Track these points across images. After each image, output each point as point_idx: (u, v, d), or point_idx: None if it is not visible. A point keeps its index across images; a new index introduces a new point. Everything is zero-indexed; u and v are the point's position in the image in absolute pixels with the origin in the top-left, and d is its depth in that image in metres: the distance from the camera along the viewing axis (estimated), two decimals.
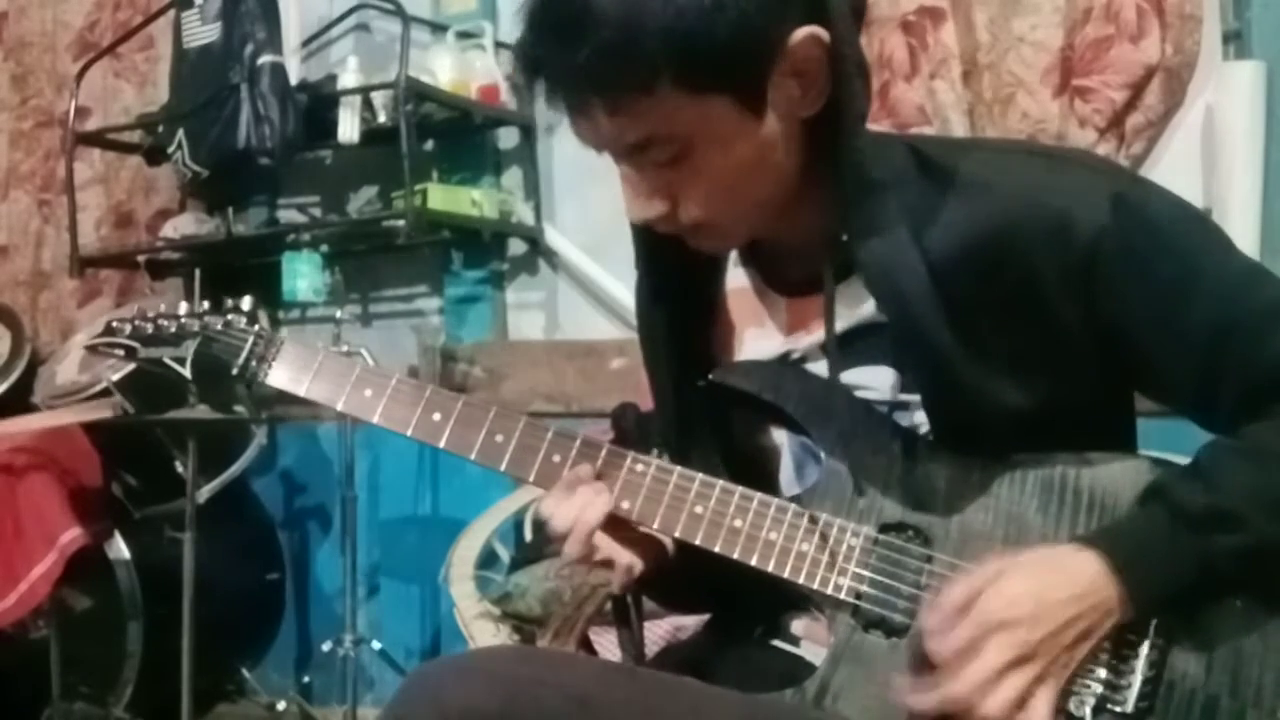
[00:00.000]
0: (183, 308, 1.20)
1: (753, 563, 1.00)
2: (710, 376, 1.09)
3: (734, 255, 1.13)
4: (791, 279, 1.08)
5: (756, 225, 1.01)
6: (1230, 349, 0.94)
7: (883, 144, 1.01)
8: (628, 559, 1.07)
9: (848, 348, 1.02)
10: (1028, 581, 0.90)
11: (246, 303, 1.18)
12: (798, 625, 1.10)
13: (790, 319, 1.09)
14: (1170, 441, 1.01)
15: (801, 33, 0.91)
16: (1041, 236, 0.95)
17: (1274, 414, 0.94)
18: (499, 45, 2.86)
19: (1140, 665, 0.92)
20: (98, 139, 3.24)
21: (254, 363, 1.14)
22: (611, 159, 0.99)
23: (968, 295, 0.96)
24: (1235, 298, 0.95)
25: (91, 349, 1.25)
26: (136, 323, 1.22)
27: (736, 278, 1.13)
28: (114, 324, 1.23)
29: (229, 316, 1.18)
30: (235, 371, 1.15)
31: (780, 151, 0.96)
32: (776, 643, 1.11)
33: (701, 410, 1.11)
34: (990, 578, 0.90)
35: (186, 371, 1.18)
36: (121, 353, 1.22)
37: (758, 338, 1.11)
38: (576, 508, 1.01)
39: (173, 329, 1.19)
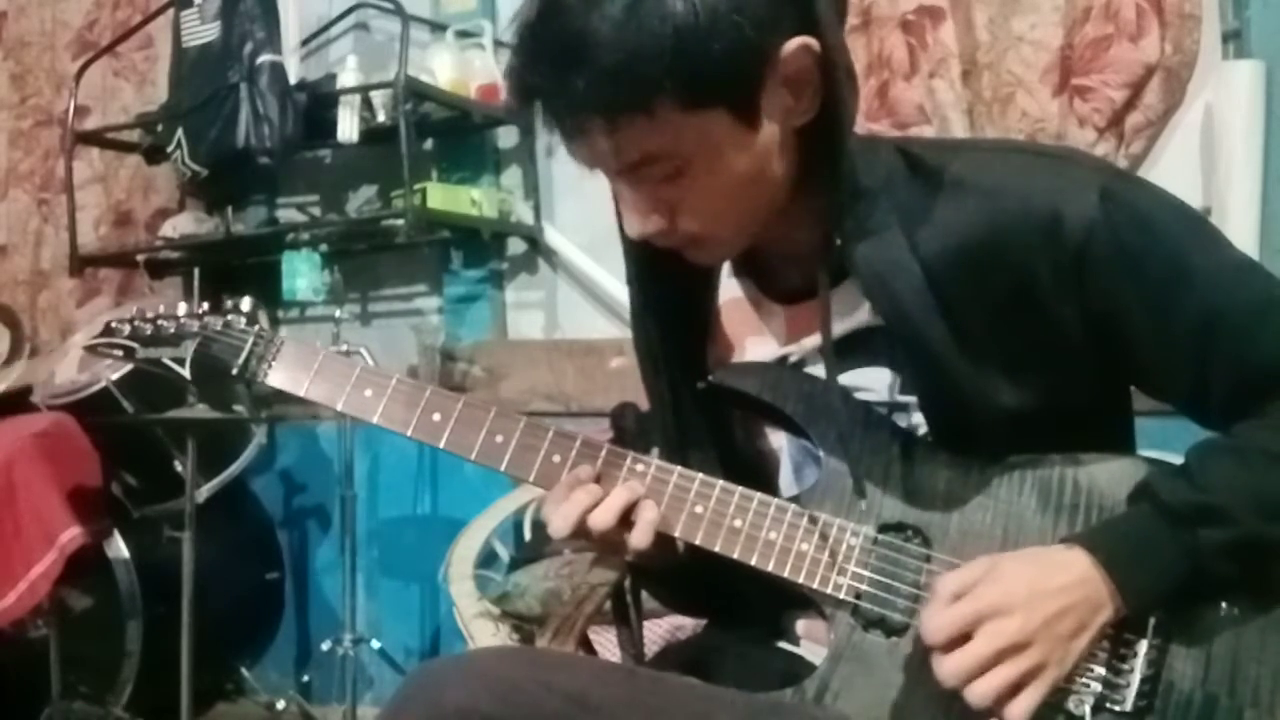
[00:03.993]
0: (182, 308, 1.20)
1: (752, 562, 1.00)
2: (710, 378, 1.08)
3: (727, 267, 1.13)
4: (787, 287, 1.08)
5: (752, 235, 1.01)
6: (1220, 344, 0.94)
7: (872, 147, 1.01)
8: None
9: (846, 350, 1.02)
10: (1019, 572, 0.91)
11: (246, 303, 1.18)
12: (800, 625, 1.10)
13: (788, 326, 1.09)
14: (1169, 441, 1.01)
15: (793, 43, 0.91)
16: (1034, 236, 0.95)
17: (1264, 411, 0.94)
18: (498, 44, 2.86)
19: (1139, 664, 0.93)
20: (97, 138, 3.23)
21: (254, 363, 1.14)
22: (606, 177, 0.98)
23: (963, 296, 0.96)
24: (1225, 292, 0.95)
25: (91, 349, 1.24)
26: (135, 323, 1.21)
27: (731, 289, 1.13)
28: (113, 324, 1.22)
29: (228, 317, 1.17)
30: (235, 372, 1.14)
31: (775, 161, 0.96)
32: (782, 644, 1.11)
33: (701, 416, 1.10)
34: (984, 568, 0.91)
35: (186, 372, 1.17)
36: (120, 353, 1.21)
37: (757, 346, 1.11)
38: (577, 509, 1.01)
39: (172, 329, 1.18)
